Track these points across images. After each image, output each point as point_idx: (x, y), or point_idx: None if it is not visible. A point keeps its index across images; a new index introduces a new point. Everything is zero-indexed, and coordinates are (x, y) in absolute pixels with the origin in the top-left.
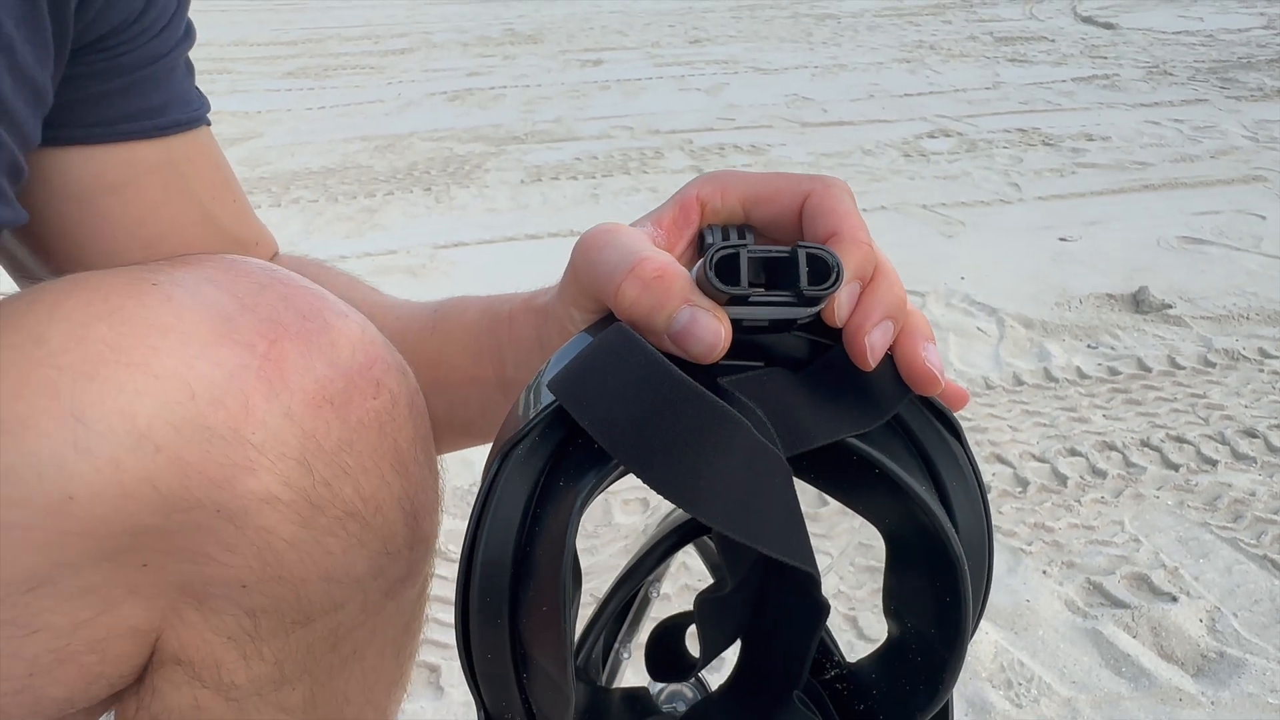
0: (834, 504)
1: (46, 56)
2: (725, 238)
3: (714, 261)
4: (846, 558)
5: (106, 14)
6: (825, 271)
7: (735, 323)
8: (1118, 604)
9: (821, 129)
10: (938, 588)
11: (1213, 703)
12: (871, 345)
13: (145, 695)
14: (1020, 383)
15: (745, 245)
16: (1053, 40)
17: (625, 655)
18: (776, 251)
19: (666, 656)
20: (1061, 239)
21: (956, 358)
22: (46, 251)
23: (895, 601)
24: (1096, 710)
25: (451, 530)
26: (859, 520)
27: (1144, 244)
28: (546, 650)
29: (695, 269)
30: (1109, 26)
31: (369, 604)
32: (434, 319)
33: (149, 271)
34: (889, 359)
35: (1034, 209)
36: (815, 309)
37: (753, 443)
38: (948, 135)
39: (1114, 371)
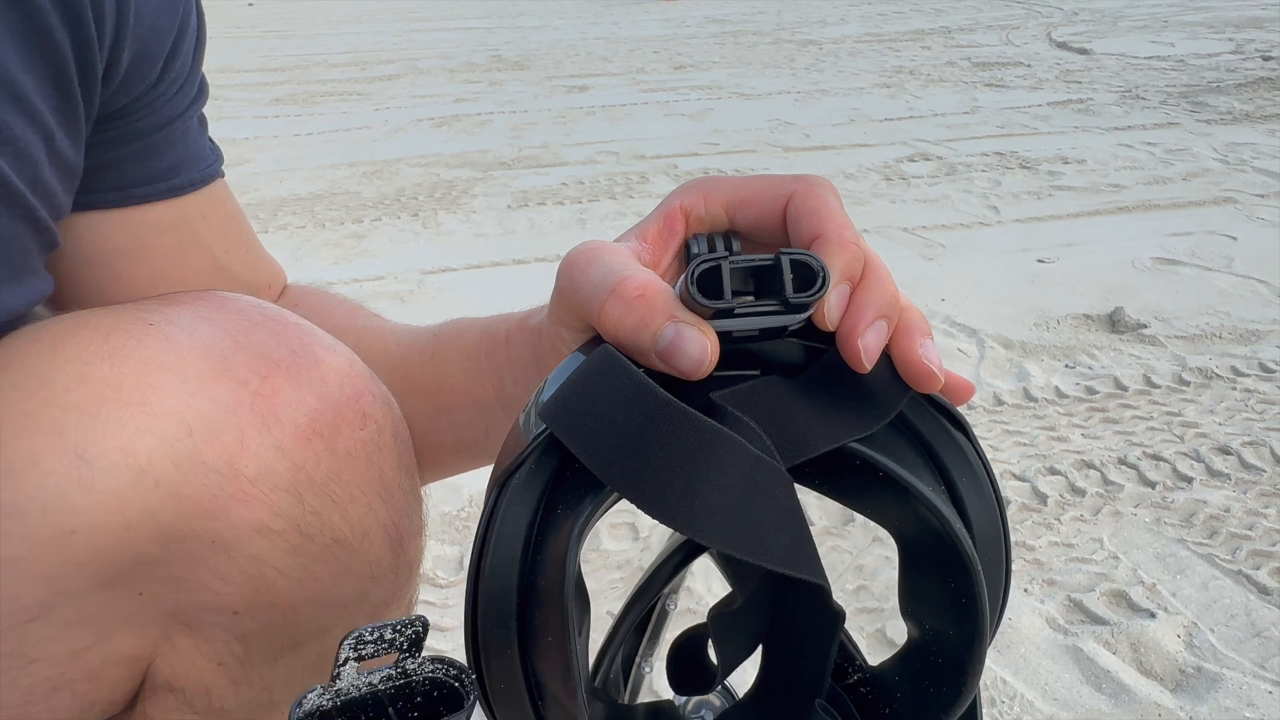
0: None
1: (78, 136)
2: (711, 246)
3: (695, 276)
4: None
5: (126, 87)
6: (811, 277)
7: (725, 334)
8: (1098, 621)
9: (804, 153)
10: (952, 588)
11: (1191, 717)
12: (865, 347)
13: None
14: (1000, 403)
15: (726, 257)
16: (1029, 65)
17: (647, 670)
18: (759, 260)
19: (688, 669)
20: (1039, 260)
21: None
22: (63, 309)
23: (912, 603)
24: None
25: (440, 556)
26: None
27: (1119, 265)
28: (556, 677)
29: (678, 284)
30: (1083, 52)
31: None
32: (434, 343)
33: (145, 311)
34: (886, 358)
35: (1012, 231)
36: (804, 315)
37: (747, 457)
38: (927, 159)
39: (1091, 391)
